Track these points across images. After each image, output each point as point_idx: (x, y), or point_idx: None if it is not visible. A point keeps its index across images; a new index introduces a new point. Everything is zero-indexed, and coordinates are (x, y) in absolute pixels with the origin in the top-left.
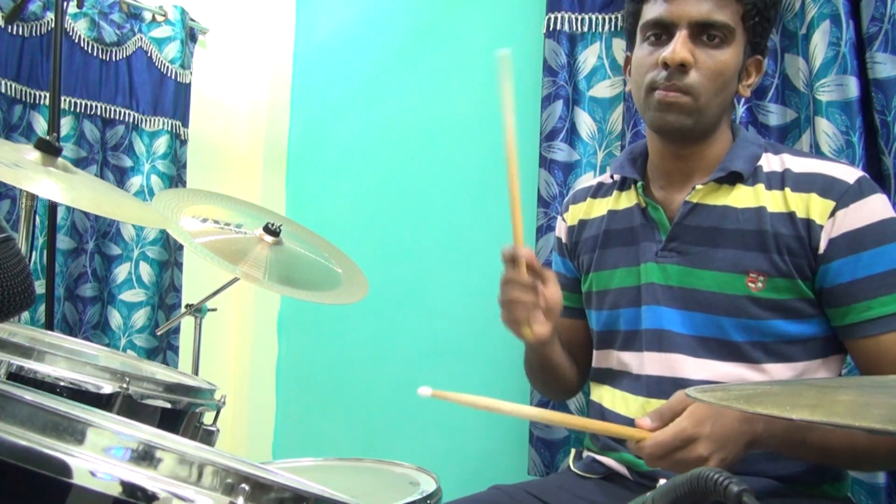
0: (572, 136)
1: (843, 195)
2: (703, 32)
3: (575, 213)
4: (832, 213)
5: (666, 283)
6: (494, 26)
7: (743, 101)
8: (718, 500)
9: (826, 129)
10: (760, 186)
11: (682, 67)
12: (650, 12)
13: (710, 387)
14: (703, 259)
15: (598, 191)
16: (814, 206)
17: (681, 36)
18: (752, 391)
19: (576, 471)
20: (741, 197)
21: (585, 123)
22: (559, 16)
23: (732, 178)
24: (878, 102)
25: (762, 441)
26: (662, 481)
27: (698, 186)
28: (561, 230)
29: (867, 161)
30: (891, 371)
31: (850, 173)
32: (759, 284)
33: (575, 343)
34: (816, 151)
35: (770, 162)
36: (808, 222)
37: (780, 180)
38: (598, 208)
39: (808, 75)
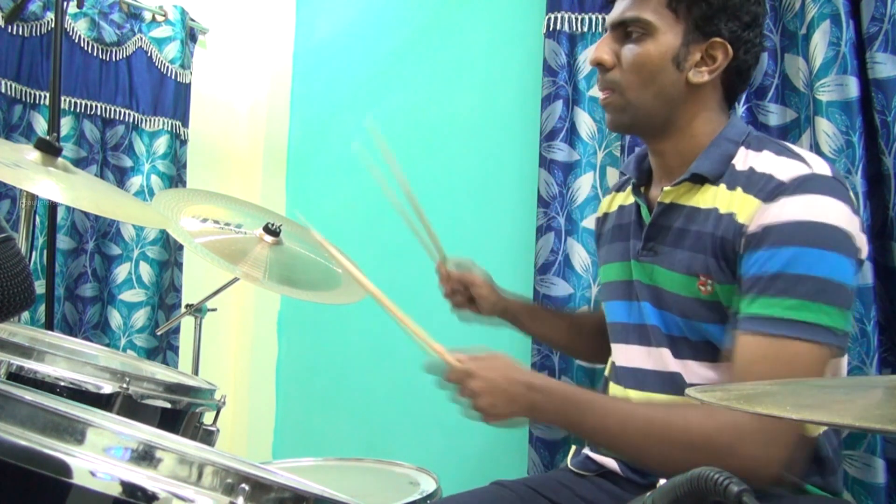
0: (572, 136)
1: (769, 193)
2: (624, 31)
3: (603, 206)
4: (756, 211)
5: (643, 279)
6: (494, 26)
7: (743, 100)
8: (718, 500)
9: (826, 129)
10: (723, 187)
11: (604, 67)
12: None
13: (709, 386)
14: (668, 259)
15: (622, 187)
16: (746, 207)
17: (603, 38)
18: (751, 391)
19: (572, 468)
20: (707, 198)
21: (585, 123)
22: (559, 16)
23: (700, 179)
24: (878, 102)
25: (538, 407)
26: (662, 481)
27: (667, 188)
28: (596, 222)
29: (867, 161)
30: (739, 372)
31: (793, 170)
32: (708, 288)
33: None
34: (816, 151)
35: (745, 160)
36: (739, 224)
37: (737, 180)
38: (616, 203)
39: (808, 75)
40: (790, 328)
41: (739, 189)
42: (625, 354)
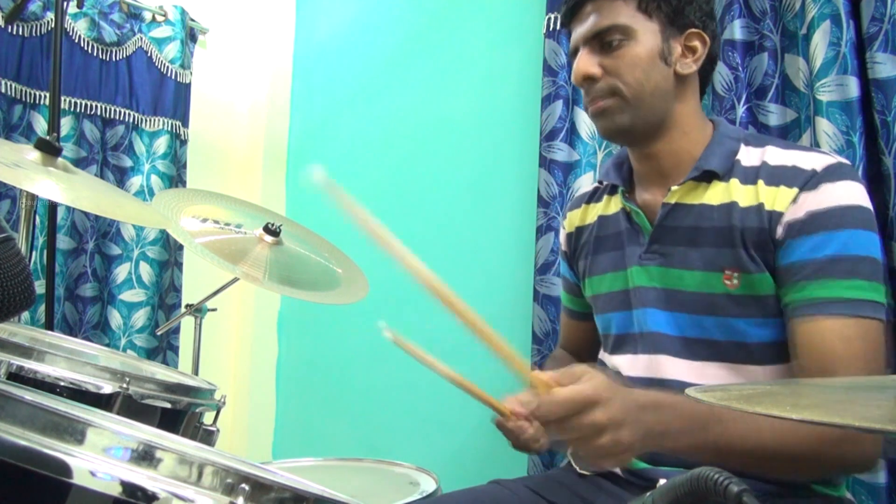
0: (572, 136)
1: (806, 181)
2: (602, 41)
3: (572, 221)
4: (794, 200)
5: (651, 284)
6: (494, 26)
7: (743, 100)
8: (719, 500)
9: (826, 129)
10: (735, 181)
11: (591, 79)
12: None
13: (709, 386)
14: (683, 259)
15: (593, 196)
16: (780, 197)
17: (580, 54)
18: (751, 391)
19: (575, 467)
20: (716, 194)
21: (585, 123)
22: (559, 16)
23: (709, 177)
24: (878, 102)
25: (653, 428)
26: (662, 481)
27: (674, 188)
28: (562, 238)
29: (867, 161)
30: (819, 357)
31: (820, 160)
32: (735, 281)
33: (583, 345)
34: None
35: (750, 156)
36: (772, 213)
37: (755, 174)
38: (591, 214)
39: (808, 75)
40: (865, 308)
41: (761, 182)
42: (627, 364)
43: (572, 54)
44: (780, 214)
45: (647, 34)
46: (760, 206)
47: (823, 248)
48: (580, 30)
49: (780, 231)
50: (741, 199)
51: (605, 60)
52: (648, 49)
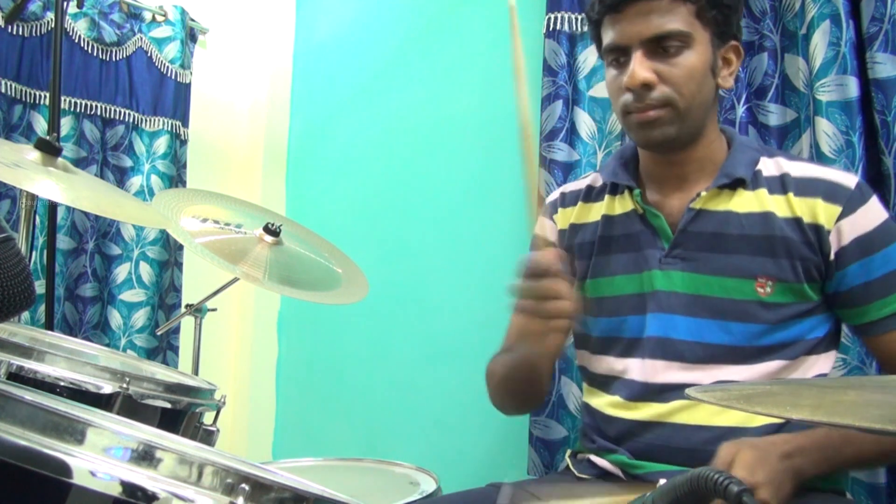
0: (572, 136)
1: (848, 200)
2: (660, 45)
3: (566, 217)
4: (839, 219)
5: (671, 289)
6: (494, 26)
7: (743, 100)
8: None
9: (826, 129)
10: (763, 191)
11: (647, 86)
12: (606, 37)
13: (709, 386)
14: (710, 265)
15: (589, 195)
16: (820, 211)
17: (636, 57)
18: (751, 391)
19: (573, 471)
20: (744, 202)
21: (585, 123)
22: (559, 16)
23: (734, 184)
24: (878, 102)
25: (805, 471)
26: (662, 481)
27: (703, 193)
28: (547, 230)
29: (867, 161)
30: None
31: (850, 178)
32: (768, 289)
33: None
34: (816, 151)
35: (768, 166)
36: (817, 227)
37: (780, 185)
38: (592, 213)
39: (808, 75)
40: None
41: (791, 194)
42: (638, 369)
43: (612, 50)
44: (828, 232)
45: (702, 43)
46: (800, 220)
47: (883, 266)
48: (634, 28)
49: (833, 252)
50: (777, 209)
51: (661, 67)
52: (704, 60)
